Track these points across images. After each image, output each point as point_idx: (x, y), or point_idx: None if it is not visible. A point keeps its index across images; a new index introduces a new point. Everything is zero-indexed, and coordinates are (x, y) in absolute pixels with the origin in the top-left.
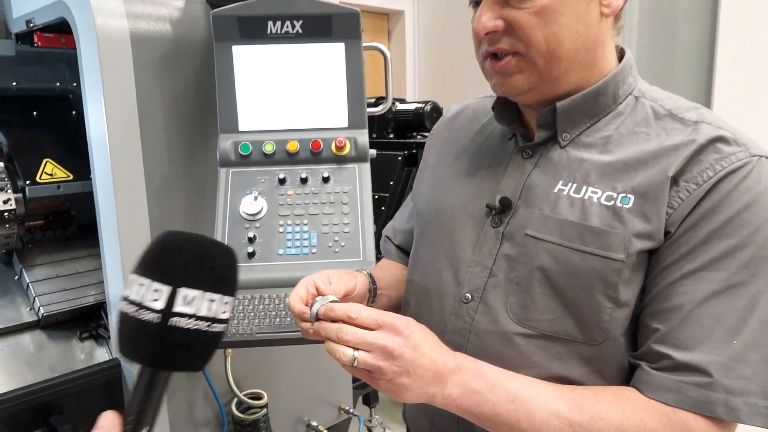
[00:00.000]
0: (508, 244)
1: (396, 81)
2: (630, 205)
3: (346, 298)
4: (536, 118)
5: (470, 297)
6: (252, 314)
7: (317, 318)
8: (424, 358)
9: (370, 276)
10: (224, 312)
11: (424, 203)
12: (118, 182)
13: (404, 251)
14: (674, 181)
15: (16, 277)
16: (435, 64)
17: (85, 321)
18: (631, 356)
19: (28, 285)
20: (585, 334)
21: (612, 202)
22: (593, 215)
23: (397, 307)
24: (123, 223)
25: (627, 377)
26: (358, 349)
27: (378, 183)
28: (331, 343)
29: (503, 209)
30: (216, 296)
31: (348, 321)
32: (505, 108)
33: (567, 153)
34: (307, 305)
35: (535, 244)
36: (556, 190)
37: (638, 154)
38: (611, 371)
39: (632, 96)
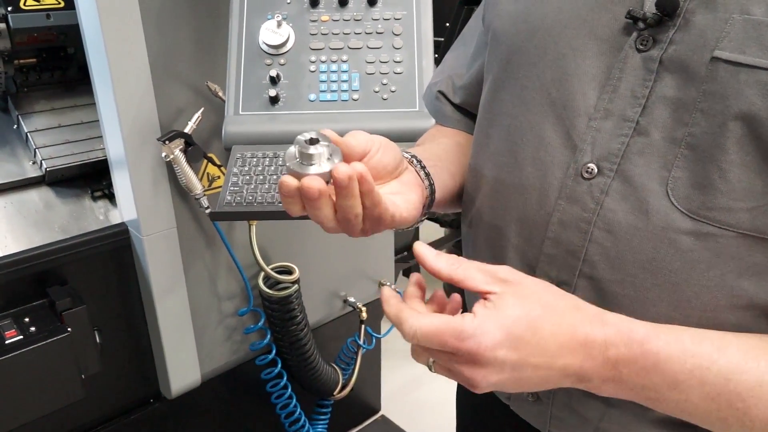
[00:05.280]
0: (673, 78)
1: None
2: None
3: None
4: None
5: (596, 169)
6: (274, 177)
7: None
8: (540, 372)
9: (431, 186)
10: None
11: (507, 21)
12: (103, 6)
13: (468, 114)
14: None
15: (14, 126)
16: None
17: (97, 178)
18: None
19: (27, 135)
20: None
21: None
22: None
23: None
24: (115, 59)
25: None
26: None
27: None
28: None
29: (660, 18)
30: None
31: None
32: None
33: None
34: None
35: (736, 74)
36: None
37: None
38: None
39: None
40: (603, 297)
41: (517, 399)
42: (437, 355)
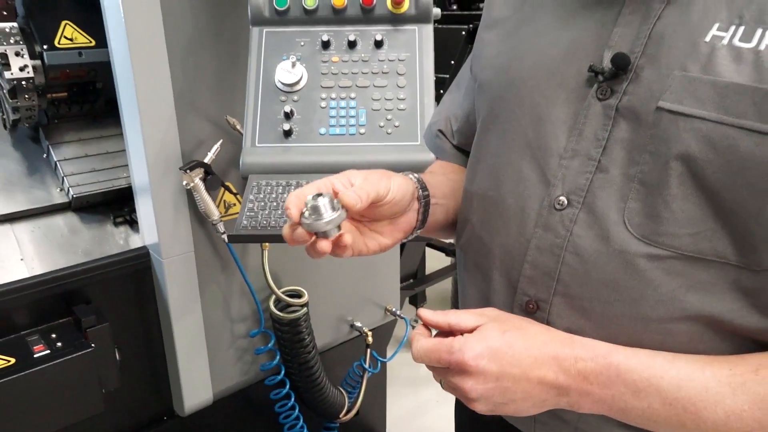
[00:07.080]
0: (627, 124)
1: None
2: None
3: (373, 207)
4: None
5: (566, 201)
6: None
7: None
8: (521, 384)
9: (418, 180)
10: None
11: (490, 73)
12: (134, 46)
13: (465, 152)
14: None
15: (44, 155)
16: None
17: (119, 205)
18: None
19: (56, 164)
20: (745, 254)
21: None
22: None
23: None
24: (143, 94)
25: None
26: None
27: (436, 61)
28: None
29: (616, 72)
30: None
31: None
32: None
33: None
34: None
35: (676, 122)
36: (708, 38)
37: None
38: None
39: None
40: (576, 312)
41: None
42: (439, 372)
